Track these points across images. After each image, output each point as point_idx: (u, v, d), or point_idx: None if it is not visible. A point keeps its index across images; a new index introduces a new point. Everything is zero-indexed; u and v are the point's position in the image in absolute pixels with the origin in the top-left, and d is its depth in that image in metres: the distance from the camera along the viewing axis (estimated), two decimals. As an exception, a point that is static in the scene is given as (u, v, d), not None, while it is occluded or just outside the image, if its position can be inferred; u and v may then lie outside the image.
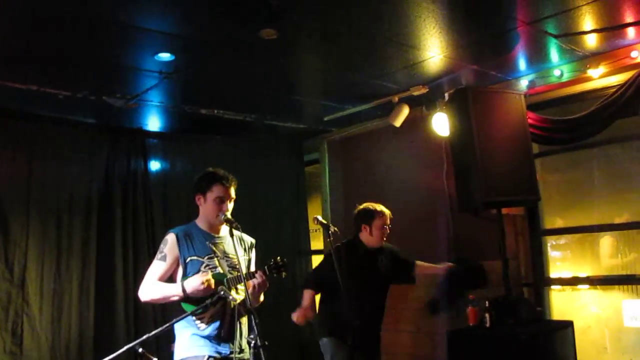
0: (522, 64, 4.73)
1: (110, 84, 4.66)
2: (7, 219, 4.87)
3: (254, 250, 3.91)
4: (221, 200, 3.64)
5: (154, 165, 5.94)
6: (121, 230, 5.50)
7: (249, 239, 3.88)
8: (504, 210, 4.72)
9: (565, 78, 4.73)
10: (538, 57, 4.59)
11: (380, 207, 4.64)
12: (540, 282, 5.06)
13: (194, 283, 3.40)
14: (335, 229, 3.91)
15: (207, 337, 3.52)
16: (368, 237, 4.62)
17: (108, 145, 5.58)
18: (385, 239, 4.66)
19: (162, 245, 3.67)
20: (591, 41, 4.25)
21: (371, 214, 4.61)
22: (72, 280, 5.15)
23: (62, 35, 3.67)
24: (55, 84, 4.52)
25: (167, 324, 3.15)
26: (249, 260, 3.82)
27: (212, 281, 3.41)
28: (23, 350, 4.78)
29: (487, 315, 4.41)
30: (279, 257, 3.64)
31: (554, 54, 4.52)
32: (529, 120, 4.66)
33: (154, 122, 5.81)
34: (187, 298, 3.47)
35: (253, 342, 3.00)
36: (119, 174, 5.60)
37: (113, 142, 5.61)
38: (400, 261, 4.78)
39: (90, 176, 5.42)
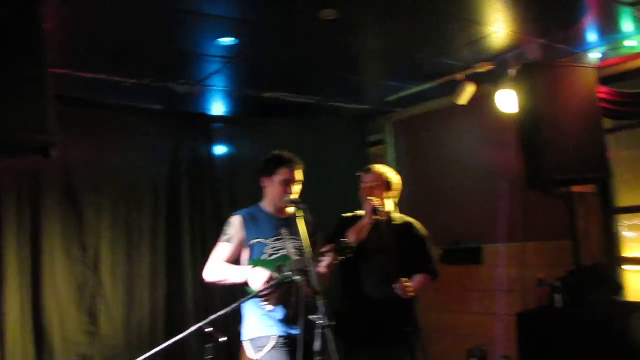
0: (592, 36, 4.53)
1: (174, 71, 4.73)
2: (82, 205, 5.06)
3: (319, 232, 3.93)
4: (287, 183, 3.68)
5: (220, 149, 6.01)
6: (189, 214, 5.63)
7: (313, 221, 3.89)
8: (574, 188, 4.58)
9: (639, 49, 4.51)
10: (610, 27, 4.38)
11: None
12: (613, 262, 4.89)
13: (257, 283, 3.44)
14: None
15: (276, 318, 3.57)
16: None
17: (174, 131, 5.69)
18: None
19: (227, 227, 3.74)
20: (669, 8, 4.03)
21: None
22: (143, 262, 5.32)
23: (127, 24, 3.74)
24: (122, 72, 4.63)
25: (234, 305, 3.19)
26: (315, 242, 3.83)
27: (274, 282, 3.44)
28: (99, 329, 4.99)
29: (558, 295, 4.30)
30: (344, 239, 3.64)
31: (627, 24, 4.29)
32: (601, 95, 4.47)
33: (218, 107, 5.87)
34: None
35: (319, 322, 3.02)
36: (185, 159, 5.71)
37: (179, 128, 5.73)
38: None
39: (157, 161, 5.55)
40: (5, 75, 2.22)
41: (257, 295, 3.46)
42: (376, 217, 3.91)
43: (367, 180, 4.16)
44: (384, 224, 3.89)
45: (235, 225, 3.71)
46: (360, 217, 4.09)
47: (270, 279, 3.43)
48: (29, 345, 4.63)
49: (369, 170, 4.20)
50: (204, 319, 2.96)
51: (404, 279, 3.83)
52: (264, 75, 5.08)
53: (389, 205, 4.15)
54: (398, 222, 4.21)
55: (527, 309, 4.86)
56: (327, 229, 4.17)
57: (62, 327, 4.82)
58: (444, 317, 5.83)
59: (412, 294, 3.83)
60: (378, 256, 3.92)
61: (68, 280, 4.93)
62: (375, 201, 3.97)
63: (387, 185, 4.16)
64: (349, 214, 4.26)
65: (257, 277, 3.45)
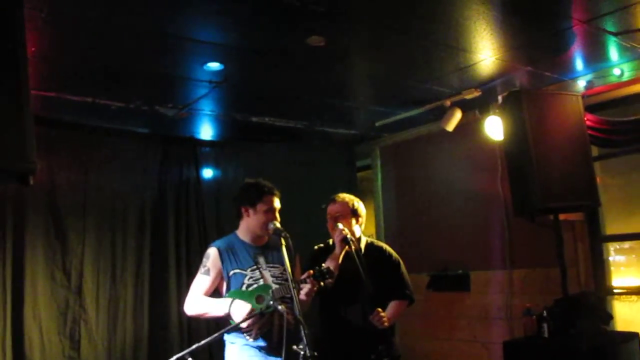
0: (579, 64, 4.55)
1: (161, 94, 4.72)
2: (65, 227, 5.01)
3: (297, 257, 3.89)
4: (272, 211, 3.64)
5: (206, 173, 5.99)
6: (174, 238, 5.58)
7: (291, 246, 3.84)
8: (562, 216, 4.56)
9: (625, 77, 4.52)
10: (596, 56, 4.41)
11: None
12: (602, 290, 4.86)
13: (240, 315, 3.40)
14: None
15: (258, 348, 3.52)
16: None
17: (161, 154, 5.67)
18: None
19: (204, 259, 3.70)
20: (653, 38, 4.05)
21: None
22: (126, 287, 5.25)
23: (115, 48, 3.75)
24: (109, 95, 4.61)
25: (216, 334, 3.16)
26: (293, 268, 3.78)
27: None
28: (81, 354, 4.91)
29: (545, 324, 4.26)
30: (323, 265, 3.61)
31: (613, 53, 4.33)
32: (588, 122, 4.50)
33: (205, 131, 5.86)
34: None
35: (302, 352, 2.97)
36: (171, 183, 5.69)
37: (166, 151, 5.70)
38: None
39: (143, 185, 5.52)
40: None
41: (238, 327, 3.44)
42: (348, 247, 3.86)
43: (333, 210, 4.11)
44: (355, 252, 3.83)
45: (212, 257, 3.67)
46: (332, 246, 4.05)
47: (251, 311, 3.39)
48: (9, 370, 4.54)
49: (334, 200, 4.15)
50: (189, 346, 2.92)
51: (379, 309, 3.79)
52: (252, 100, 5.07)
53: (357, 232, 4.12)
54: (370, 248, 4.18)
55: (514, 337, 4.83)
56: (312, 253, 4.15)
57: (43, 351, 4.73)
58: (431, 344, 5.78)
59: (387, 324, 3.79)
60: (353, 285, 3.81)
61: (50, 303, 4.85)
62: (345, 230, 3.92)
63: (353, 213, 4.11)
64: (321, 245, 4.23)
65: (238, 311, 3.42)
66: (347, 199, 4.15)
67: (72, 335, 4.91)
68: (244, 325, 3.42)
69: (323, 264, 3.69)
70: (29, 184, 2.32)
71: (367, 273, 3.76)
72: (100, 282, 5.13)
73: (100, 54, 3.83)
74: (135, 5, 3.19)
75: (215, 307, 3.53)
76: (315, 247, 4.24)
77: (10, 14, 2.29)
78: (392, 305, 4.01)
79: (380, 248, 4.26)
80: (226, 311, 3.45)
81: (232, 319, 3.45)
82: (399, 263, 4.21)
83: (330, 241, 4.14)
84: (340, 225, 3.95)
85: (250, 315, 3.37)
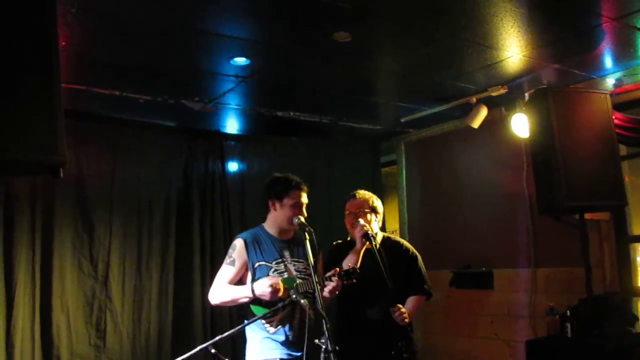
0: (608, 62, 4.49)
1: (188, 88, 4.76)
2: (92, 218, 5.09)
3: (321, 253, 3.92)
4: (299, 206, 3.67)
5: (232, 167, 6.03)
6: (199, 230, 5.63)
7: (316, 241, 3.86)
8: (588, 215, 4.52)
9: (655, 75, 4.48)
10: (626, 53, 4.33)
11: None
12: (627, 292, 4.80)
13: (263, 286, 3.45)
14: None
15: (278, 341, 3.55)
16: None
17: (187, 147, 5.72)
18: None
19: (230, 250, 3.74)
20: (686, 35, 3.99)
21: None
22: (152, 278, 5.32)
23: (143, 42, 3.79)
24: (136, 88, 4.66)
25: (238, 327, 3.21)
26: (317, 263, 3.81)
27: (281, 285, 3.44)
28: (106, 343, 4.99)
29: (568, 324, 4.23)
30: (349, 264, 3.63)
31: (643, 51, 4.28)
32: (615, 121, 4.44)
33: (231, 124, 5.90)
34: (257, 301, 3.52)
35: (324, 346, 2.99)
36: (197, 175, 5.74)
37: (192, 144, 5.75)
38: None
39: (169, 177, 5.57)
40: (17, 95, 2.22)
41: (262, 317, 3.46)
42: (369, 243, 3.85)
43: (353, 206, 4.13)
44: (374, 248, 3.83)
45: (238, 248, 3.71)
46: (350, 243, 4.06)
47: (276, 284, 3.43)
48: (37, 358, 4.63)
49: (354, 196, 4.17)
50: (212, 336, 2.96)
51: (399, 305, 3.80)
52: (277, 95, 5.10)
53: (375, 228, 4.13)
54: (386, 243, 4.18)
55: (536, 336, 4.81)
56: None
57: (69, 339, 4.83)
58: (452, 341, 5.77)
59: (408, 320, 3.79)
60: (372, 281, 3.79)
61: (77, 293, 4.94)
62: (366, 226, 3.94)
63: (373, 210, 4.13)
64: (339, 241, 4.24)
65: (263, 283, 3.47)
66: (367, 196, 4.16)
67: (98, 324, 5.00)
68: (268, 291, 3.44)
69: (348, 263, 3.71)
70: (60, 176, 2.36)
71: (388, 268, 3.77)
72: (126, 273, 5.20)
73: (128, 48, 3.88)
74: (164, 1, 3.23)
75: (239, 292, 3.58)
76: (334, 243, 4.26)
77: (43, 10, 2.33)
78: (410, 301, 4.02)
79: (398, 243, 4.26)
80: (249, 293, 3.50)
81: (255, 304, 3.53)
82: (416, 257, 4.21)
83: (349, 237, 4.15)
84: (362, 221, 3.97)
85: (275, 287, 3.42)
